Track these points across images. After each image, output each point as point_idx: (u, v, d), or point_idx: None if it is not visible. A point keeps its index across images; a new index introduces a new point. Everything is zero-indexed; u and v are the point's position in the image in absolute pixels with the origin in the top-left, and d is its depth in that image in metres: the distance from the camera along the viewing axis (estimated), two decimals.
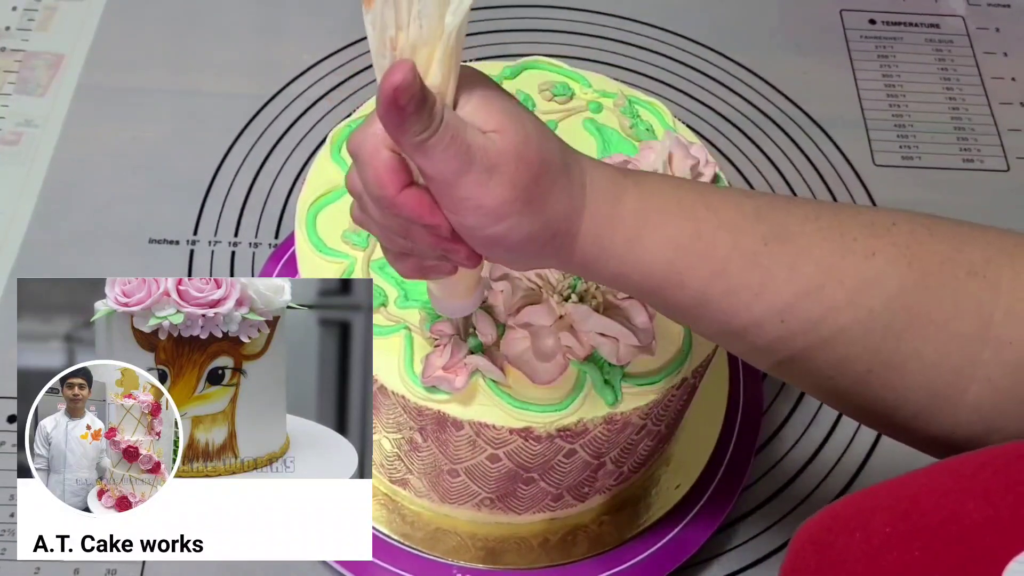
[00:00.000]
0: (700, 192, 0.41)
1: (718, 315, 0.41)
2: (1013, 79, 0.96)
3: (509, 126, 0.37)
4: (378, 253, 0.54)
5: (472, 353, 0.50)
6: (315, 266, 0.54)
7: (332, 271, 0.54)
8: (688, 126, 0.62)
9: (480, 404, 0.50)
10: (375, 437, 0.57)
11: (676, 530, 0.65)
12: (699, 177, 0.54)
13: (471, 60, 0.66)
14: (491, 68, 0.62)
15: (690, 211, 0.40)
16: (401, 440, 0.55)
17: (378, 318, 0.52)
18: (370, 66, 0.90)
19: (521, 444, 0.52)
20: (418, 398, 0.50)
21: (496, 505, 0.60)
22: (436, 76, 0.35)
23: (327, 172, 0.57)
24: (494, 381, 0.50)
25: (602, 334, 0.49)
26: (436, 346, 0.50)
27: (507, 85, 0.61)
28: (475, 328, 0.50)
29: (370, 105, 0.60)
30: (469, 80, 0.37)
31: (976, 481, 0.33)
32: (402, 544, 0.62)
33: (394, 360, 0.51)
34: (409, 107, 0.34)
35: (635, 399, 0.51)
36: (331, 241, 0.54)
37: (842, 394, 0.42)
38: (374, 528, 0.63)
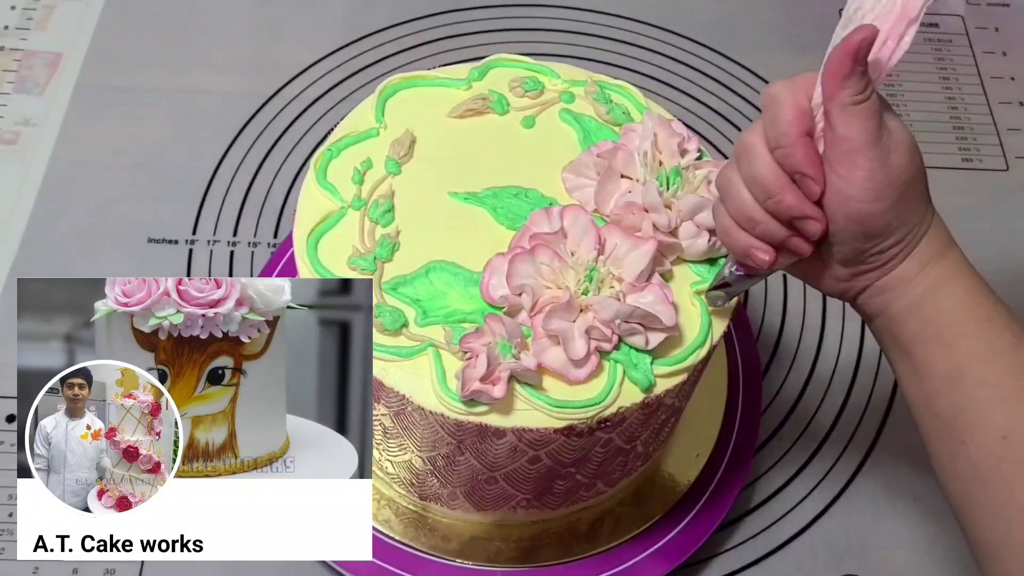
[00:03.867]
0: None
1: (962, 408, 0.46)
2: (1012, 78, 0.96)
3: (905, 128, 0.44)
4: (387, 275, 0.53)
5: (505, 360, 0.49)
6: None
7: None
8: (687, 124, 0.62)
9: (520, 410, 0.49)
10: (405, 457, 0.57)
11: (676, 529, 0.65)
12: (685, 154, 0.54)
13: (470, 60, 0.65)
14: (458, 72, 0.61)
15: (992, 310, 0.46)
16: (436, 456, 0.55)
17: (401, 340, 0.51)
18: (368, 66, 0.90)
19: (563, 442, 0.52)
20: (457, 413, 0.49)
21: (532, 504, 0.60)
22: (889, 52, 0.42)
23: (317, 200, 0.56)
24: (530, 385, 0.50)
25: (627, 322, 0.49)
26: (468, 359, 0.49)
27: (476, 86, 0.61)
28: (508, 336, 0.49)
29: (345, 127, 0.59)
30: None
31: None
32: (437, 557, 0.62)
33: (426, 379, 0.50)
34: (860, 65, 0.41)
35: (667, 381, 0.51)
36: (336, 268, 0.53)
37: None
38: (406, 545, 0.63)
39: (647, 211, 0.52)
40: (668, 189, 0.52)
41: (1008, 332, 0.46)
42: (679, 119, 0.57)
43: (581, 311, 0.50)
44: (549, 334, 0.49)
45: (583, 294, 0.50)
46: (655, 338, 0.50)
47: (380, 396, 0.52)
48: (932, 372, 0.47)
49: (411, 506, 0.64)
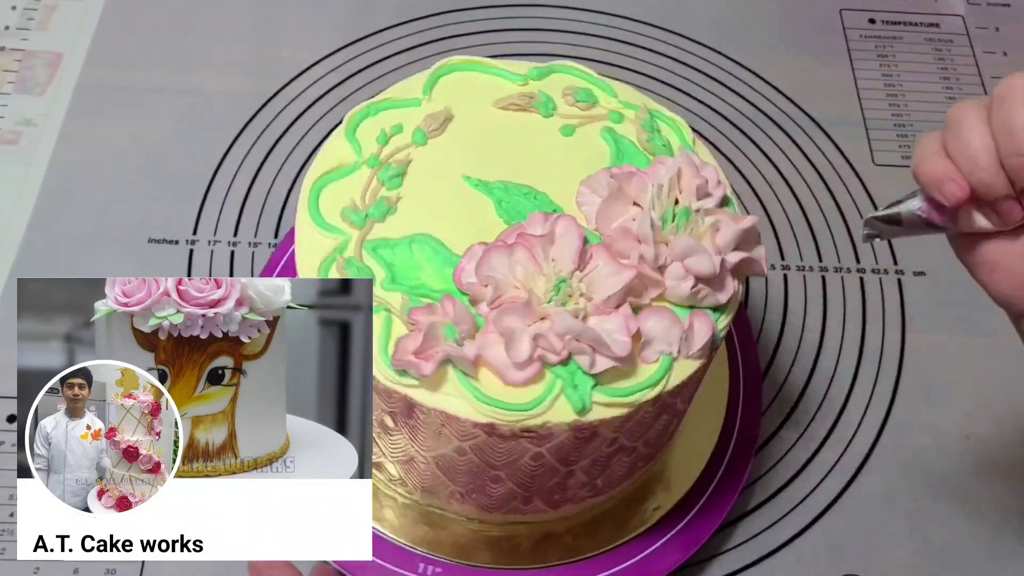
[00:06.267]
0: None
1: None
2: None
3: None
4: (373, 234, 0.54)
5: (446, 342, 0.49)
6: (310, 239, 0.54)
7: (326, 245, 0.54)
8: (692, 128, 0.62)
9: (446, 394, 0.50)
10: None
11: (676, 529, 0.65)
12: (706, 198, 0.54)
13: (495, 55, 0.66)
14: (518, 67, 0.62)
15: None
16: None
17: None
18: (369, 66, 0.90)
19: (486, 440, 0.51)
20: (388, 380, 0.50)
21: (467, 500, 0.60)
22: None
23: (339, 150, 0.57)
24: (464, 373, 0.50)
25: (577, 340, 0.49)
26: (411, 331, 0.50)
27: (532, 86, 0.61)
28: (455, 320, 0.50)
29: (392, 92, 0.60)
30: None
31: None
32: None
33: (375, 342, 0.51)
34: None
35: (605, 410, 0.50)
36: (330, 217, 0.55)
37: None
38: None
39: (639, 241, 0.52)
40: (667, 226, 0.52)
41: None
42: (700, 135, 0.57)
43: (542, 318, 0.49)
44: (500, 330, 0.49)
45: (548, 302, 0.49)
46: (602, 363, 0.49)
47: None
48: None
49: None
